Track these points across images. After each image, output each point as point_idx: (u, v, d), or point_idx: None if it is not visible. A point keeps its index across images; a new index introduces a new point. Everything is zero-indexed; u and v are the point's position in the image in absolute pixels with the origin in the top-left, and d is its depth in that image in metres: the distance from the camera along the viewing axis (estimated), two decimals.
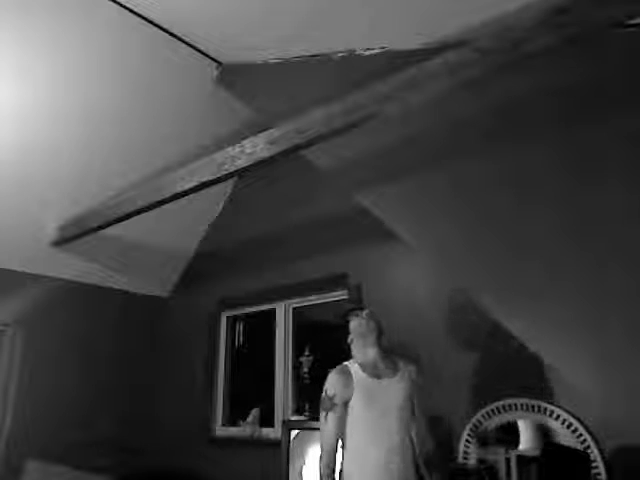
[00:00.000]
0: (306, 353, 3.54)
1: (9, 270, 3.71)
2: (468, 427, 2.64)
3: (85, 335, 4.06)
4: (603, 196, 2.11)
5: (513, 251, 2.43)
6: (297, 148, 2.58)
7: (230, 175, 2.86)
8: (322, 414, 2.19)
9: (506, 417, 2.57)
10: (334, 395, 2.18)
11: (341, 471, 2.16)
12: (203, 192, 3.04)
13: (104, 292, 4.22)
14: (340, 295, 3.49)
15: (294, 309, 3.88)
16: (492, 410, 2.60)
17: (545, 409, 2.47)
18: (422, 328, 2.96)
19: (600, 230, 2.15)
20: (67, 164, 3.41)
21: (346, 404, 2.18)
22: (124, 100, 3.27)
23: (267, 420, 3.73)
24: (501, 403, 2.58)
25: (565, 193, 2.23)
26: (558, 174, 2.23)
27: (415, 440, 2.22)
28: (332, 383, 2.21)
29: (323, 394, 2.22)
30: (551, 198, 2.27)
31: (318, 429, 3.03)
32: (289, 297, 3.83)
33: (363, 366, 2.23)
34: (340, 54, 2.70)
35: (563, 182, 2.23)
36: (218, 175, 2.82)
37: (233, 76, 3.28)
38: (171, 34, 3.00)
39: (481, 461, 2.56)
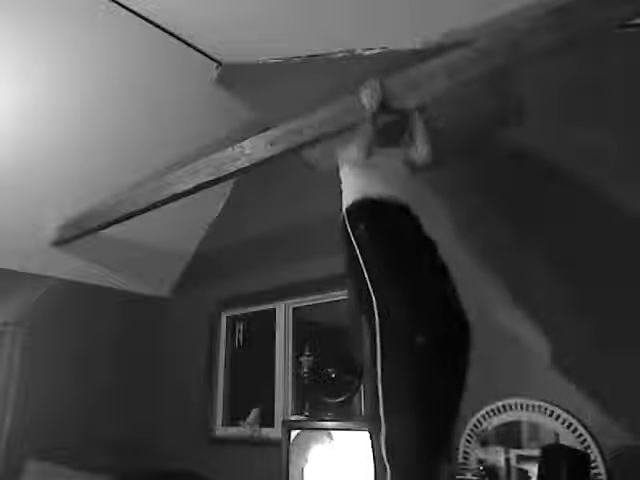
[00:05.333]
0: (306, 353, 3.54)
1: (9, 270, 3.70)
2: (468, 427, 2.64)
3: (85, 335, 4.06)
4: None
5: None
6: (297, 148, 2.58)
7: (230, 175, 2.86)
8: None
9: (506, 417, 2.57)
10: None
11: None
12: (203, 192, 3.05)
13: (104, 292, 4.22)
14: (340, 295, 3.49)
15: (294, 309, 3.87)
16: (492, 410, 2.60)
17: (545, 409, 2.47)
18: None
19: None
20: (67, 164, 3.41)
21: None
22: (124, 100, 3.27)
23: (267, 420, 3.74)
24: (501, 403, 2.58)
25: None
26: None
27: None
28: None
29: None
30: None
31: (318, 429, 3.04)
32: (289, 297, 3.83)
33: None
34: (340, 54, 2.70)
35: None
36: (218, 175, 2.83)
37: (233, 76, 3.28)
38: (171, 34, 3.00)
39: (481, 461, 2.56)
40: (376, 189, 2.21)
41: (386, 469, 1.83)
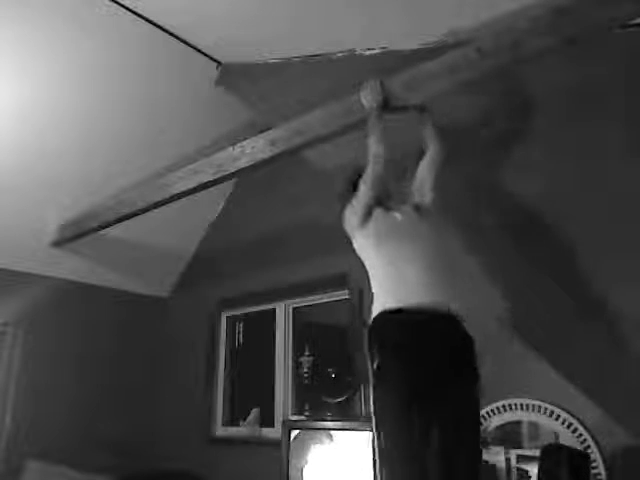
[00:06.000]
0: (306, 353, 3.54)
1: (9, 270, 3.70)
2: None
3: (85, 335, 4.06)
4: None
5: None
6: (297, 148, 2.58)
7: (230, 175, 2.86)
8: None
9: (506, 417, 2.57)
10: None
11: None
12: (203, 192, 3.05)
13: (104, 292, 4.22)
14: (340, 295, 3.49)
15: (294, 309, 3.88)
16: (492, 410, 2.60)
17: (545, 409, 2.47)
18: None
19: None
20: (67, 164, 3.41)
21: None
22: (124, 100, 3.27)
23: (267, 420, 3.74)
24: (501, 403, 2.58)
25: None
26: None
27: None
28: None
29: None
30: None
31: (318, 429, 3.05)
32: (289, 297, 3.83)
33: None
34: (340, 54, 2.70)
35: None
36: (218, 175, 2.83)
37: (233, 76, 3.28)
38: (171, 34, 3.00)
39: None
40: (395, 299, 1.94)
41: None
